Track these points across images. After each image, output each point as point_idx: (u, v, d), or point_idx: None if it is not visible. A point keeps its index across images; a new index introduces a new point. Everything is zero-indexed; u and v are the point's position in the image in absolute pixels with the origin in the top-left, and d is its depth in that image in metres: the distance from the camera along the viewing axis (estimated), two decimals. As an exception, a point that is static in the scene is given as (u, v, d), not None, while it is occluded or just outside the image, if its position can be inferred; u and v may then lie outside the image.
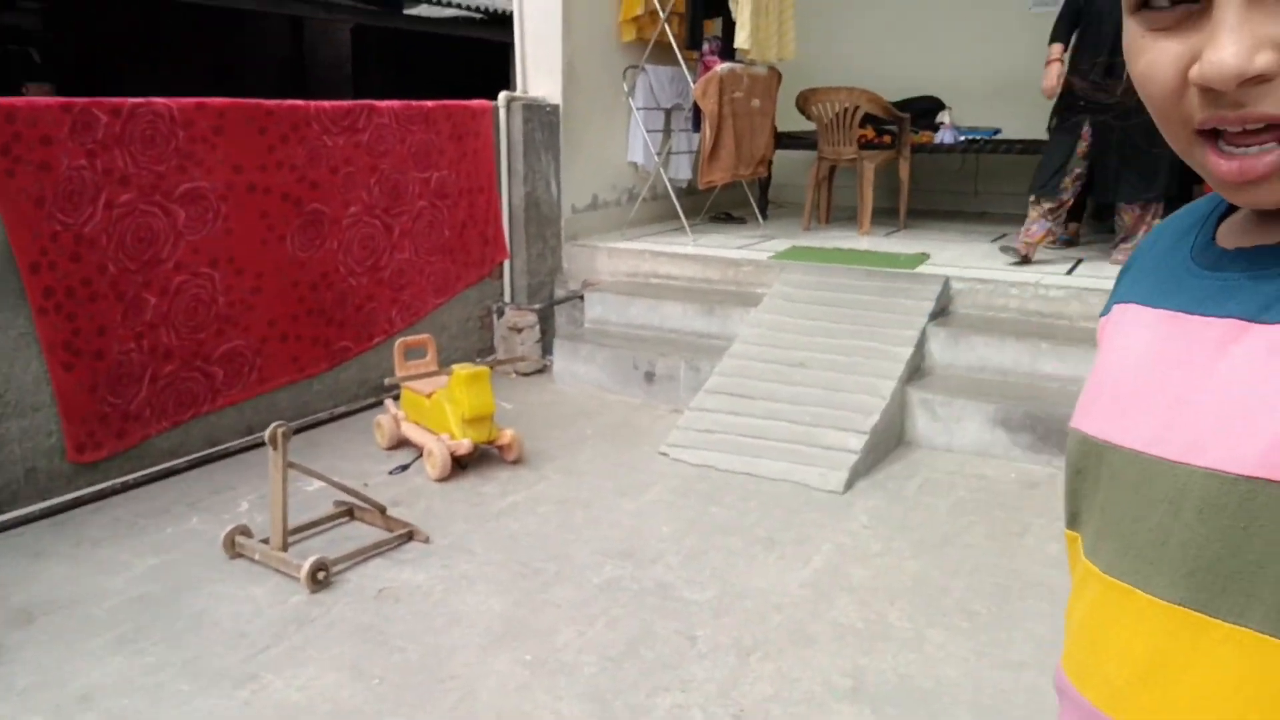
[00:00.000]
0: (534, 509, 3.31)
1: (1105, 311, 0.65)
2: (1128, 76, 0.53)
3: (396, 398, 4.02)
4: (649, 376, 4.50)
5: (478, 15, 10.04)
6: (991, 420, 3.72)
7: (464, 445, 3.56)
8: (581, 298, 5.12)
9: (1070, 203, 4.56)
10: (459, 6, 10.02)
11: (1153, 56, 0.49)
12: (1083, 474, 0.59)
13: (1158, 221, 4.52)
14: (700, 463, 3.67)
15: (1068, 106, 4.38)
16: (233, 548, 2.93)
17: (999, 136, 6.16)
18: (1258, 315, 0.50)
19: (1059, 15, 4.48)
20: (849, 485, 3.43)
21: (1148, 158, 4.37)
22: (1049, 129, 4.55)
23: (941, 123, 6.15)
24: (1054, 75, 4.41)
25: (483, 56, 10.33)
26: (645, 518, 3.22)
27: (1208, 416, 0.50)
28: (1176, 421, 0.52)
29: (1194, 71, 0.47)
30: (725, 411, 3.89)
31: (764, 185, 6.30)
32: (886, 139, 5.93)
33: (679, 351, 4.47)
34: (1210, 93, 0.46)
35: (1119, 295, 0.63)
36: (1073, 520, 0.61)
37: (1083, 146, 4.34)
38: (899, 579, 2.80)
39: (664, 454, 3.77)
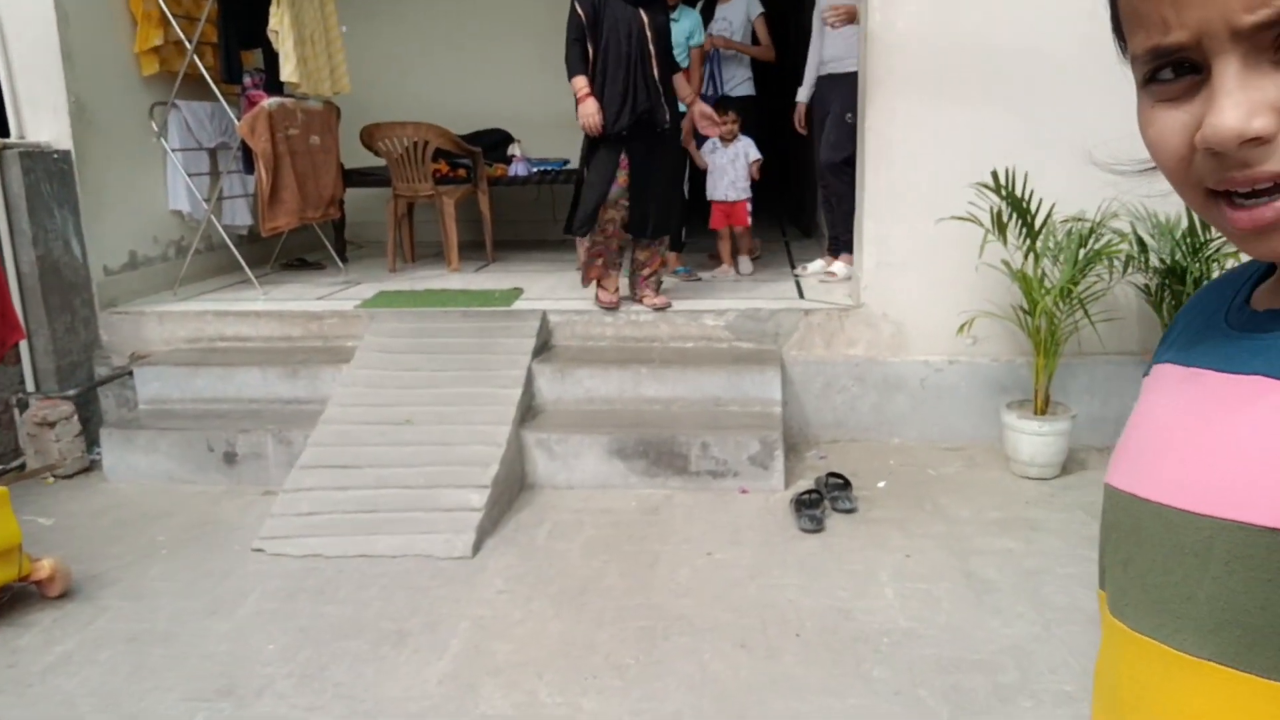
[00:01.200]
0: (94, 656, 2.63)
1: (1146, 372, 0.65)
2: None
3: None
4: (229, 458, 3.88)
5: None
6: (607, 451, 3.69)
7: (-18, 592, 2.75)
8: (131, 374, 4.31)
9: (618, 239, 4.24)
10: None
11: (1161, 125, 0.51)
12: (1111, 528, 0.60)
13: (663, 252, 4.43)
14: (306, 553, 3.19)
15: (601, 138, 4.08)
16: None
17: (569, 167, 6.31)
18: None
19: (569, 44, 4.10)
20: (477, 547, 3.18)
21: (674, 194, 4.29)
22: (582, 162, 4.28)
23: (513, 155, 6.16)
24: (595, 109, 4.02)
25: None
26: (244, 638, 2.69)
27: (1233, 469, 0.51)
28: (1201, 474, 0.53)
29: (1198, 136, 0.49)
30: (328, 487, 3.45)
31: (338, 226, 5.84)
32: (461, 173, 5.79)
33: (263, 424, 3.91)
34: (1217, 156, 0.48)
35: (1158, 356, 0.64)
36: (1103, 577, 0.61)
37: (623, 177, 4.12)
38: (544, 645, 2.60)
39: (260, 550, 3.23)
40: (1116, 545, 0.58)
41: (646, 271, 4.36)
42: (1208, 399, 0.55)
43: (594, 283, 4.40)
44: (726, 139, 5.01)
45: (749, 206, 5.16)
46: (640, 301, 4.36)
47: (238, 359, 4.23)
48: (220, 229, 5.00)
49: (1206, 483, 0.52)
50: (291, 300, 4.71)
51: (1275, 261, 0.54)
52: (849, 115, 4.50)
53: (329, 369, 4.06)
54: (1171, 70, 0.50)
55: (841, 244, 4.84)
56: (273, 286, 5.05)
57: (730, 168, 5.06)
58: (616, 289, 4.36)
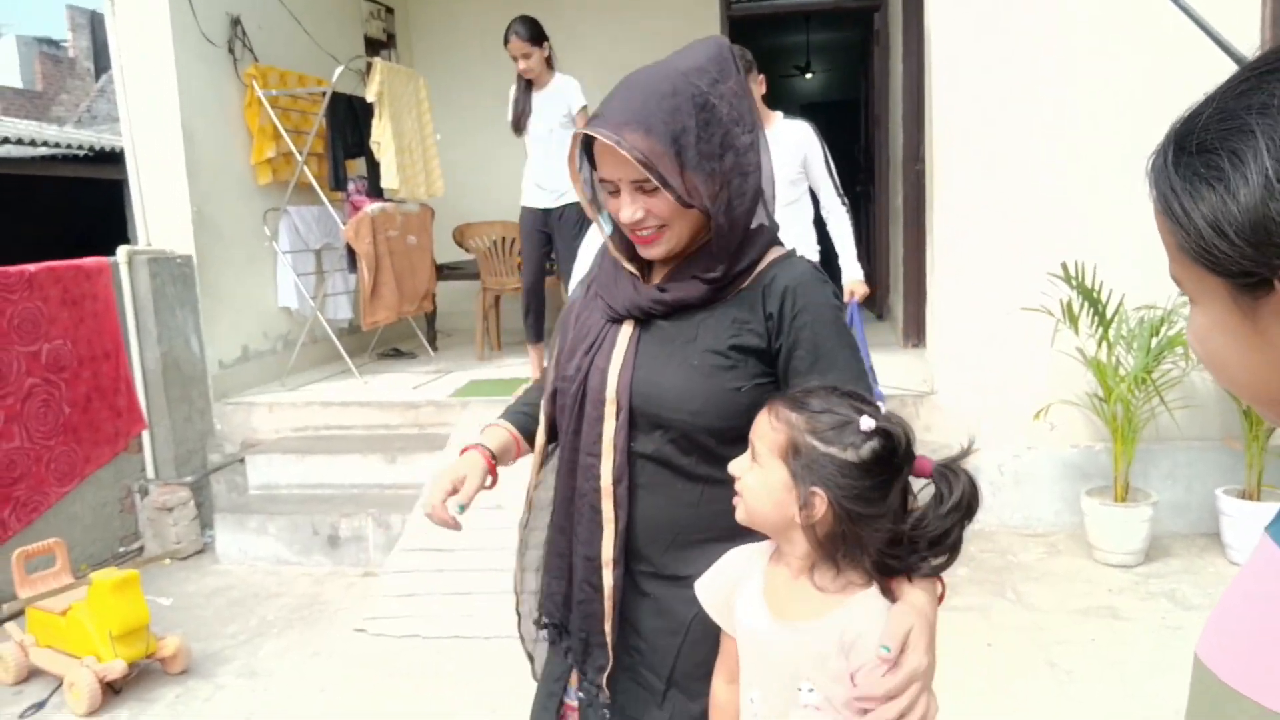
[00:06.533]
0: (215, 731, 2.83)
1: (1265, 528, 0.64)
2: None
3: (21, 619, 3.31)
4: (333, 541, 4.11)
5: (81, 153, 8.99)
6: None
7: (115, 667, 2.98)
8: (243, 461, 4.61)
9: None
10: (53, 145, 8.90)
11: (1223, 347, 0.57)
12: (1194, 700, 0.59)
13: None
14: (405, 633, 3.37)
15: None
16: None
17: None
18: None
19: None
20: (566, 630, 3.31)
21: None
22: None
23: (593, 246, 6.43)
24: None
25: (96, 196, 9.25)
26: (354, 716, 2.86)
27: None
28: None
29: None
30: (427, 570, 3.64)
31: (430, 318, 6.17)
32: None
33: (364, 508, 4.14)
34: None
35: (1273, 523, 0.63)
36: None
37: None
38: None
39: (362, 630, 3.42)
40: None
41: None
42: None
43: None
44: None
45: None
46: None
47: (341, 446, 4.50)
48: (324, 323, 5.35)
49: None
50: (389, 389, 4.99)
51: None
52: None
53: (424, 455, 4.29)
54: None
55: None
56: (371, 375, 5.36)
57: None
58: None
